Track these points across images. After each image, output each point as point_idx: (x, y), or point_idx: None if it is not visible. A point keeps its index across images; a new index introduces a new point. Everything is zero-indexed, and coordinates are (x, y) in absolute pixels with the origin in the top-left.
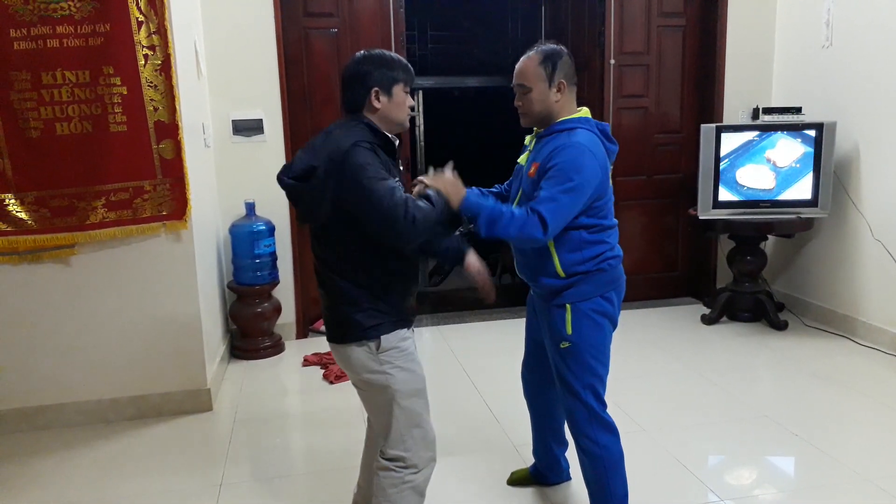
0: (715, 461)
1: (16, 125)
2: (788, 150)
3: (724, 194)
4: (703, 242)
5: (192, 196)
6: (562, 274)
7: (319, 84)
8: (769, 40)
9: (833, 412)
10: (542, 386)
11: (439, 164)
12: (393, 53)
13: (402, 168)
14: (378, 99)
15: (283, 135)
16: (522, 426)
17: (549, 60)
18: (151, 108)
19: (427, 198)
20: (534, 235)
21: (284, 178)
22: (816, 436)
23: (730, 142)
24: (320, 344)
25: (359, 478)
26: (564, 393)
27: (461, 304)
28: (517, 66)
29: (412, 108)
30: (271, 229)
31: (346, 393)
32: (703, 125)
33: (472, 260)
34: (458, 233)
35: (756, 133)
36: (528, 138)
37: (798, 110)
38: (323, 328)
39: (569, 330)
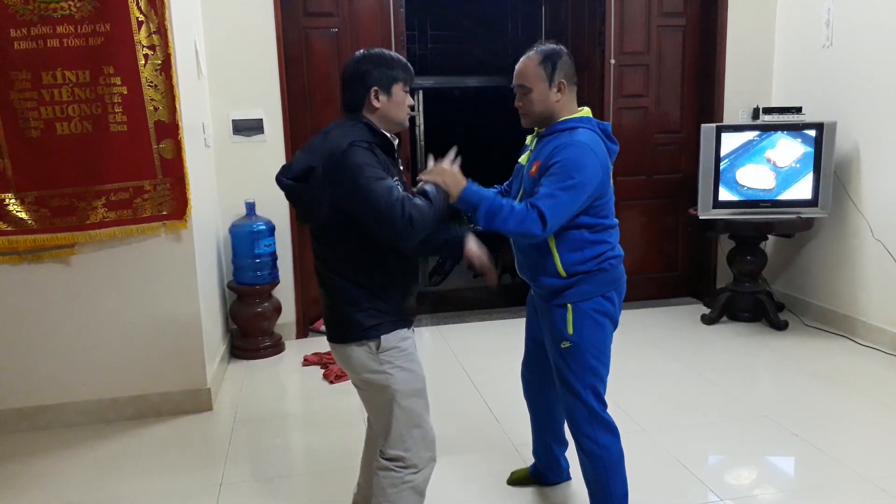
0: (715, 461)
1: (16, 125)
2: (788, 149)
3: (725, 194)
4: (703, 242)
5: (193, 196)
6: (563, 274)
7: (319, 84)
8: (769, 40)
9: (833, 412)
10: (541, 386)
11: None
12: (392, 53)
13: (402, 168)
14: (377, 98)
15: (283, 135)
16: (522, 426)
17: (549, 60)
18: (151, 108)
19: (424, 194)
20: (532, 231)
21: (283, 179)
22: (816, 436)
23: (730, 142)
24: (320, 344)
25: (359, 477)
26: (565, 393)
27: (461, 304)
28: (517, 67)
29: (412, 108)
30: (271, 229)
31: (346, 393)
32: (703, 125)
33: (472, 245)
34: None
35: (756, 133)
36: (529, 138)
37: (798, 110)
38: (323, 328)
39: (570, 330)
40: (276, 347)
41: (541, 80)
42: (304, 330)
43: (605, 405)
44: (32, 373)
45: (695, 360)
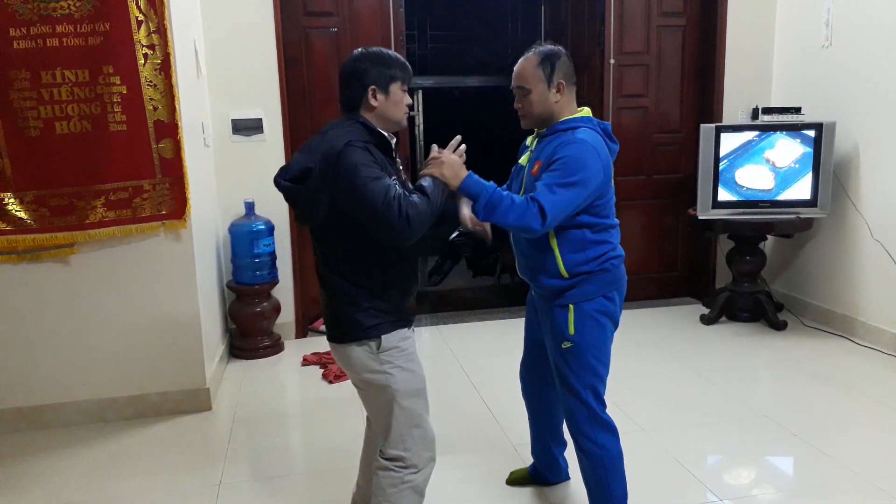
0: (714, 461)
1: (15, 124)
2: (788, 150)
3: (724, 194)
4: (703, 242)
5: (192, 195)
6: (565, 274)
7: (319, 83)
8: (769, 40)
9: (832, 412)
10: (540, 386)
11: None
12: (391, 52)
13: (401, 168)
14: (375, 97)
15: (283, 134)
16: (521, 426)
17: (548, 61)
18: (151, 108)
19: (421, 190)
20: (531, 225)
21: (281, 181)
22: (815, 436)
23: (729, 142)
24: (319, 343)
25: (358, 477)
26: (565, 393)
27: (461, 304)
28: (515, 69)
29: (410, 107)
30: (271, 229)
31: (346, 393)
32: (702, 125)
33: (465, 210)
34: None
35: (755, 133)
36: (529, 139)
37: (797, 110)
38: (322, 328)
39: (571, 330)
40: (276, 347)
41: (540, 82)
42: (303, 330)
43: (604, 405)
44: (32, 373)
45: (694, 360)
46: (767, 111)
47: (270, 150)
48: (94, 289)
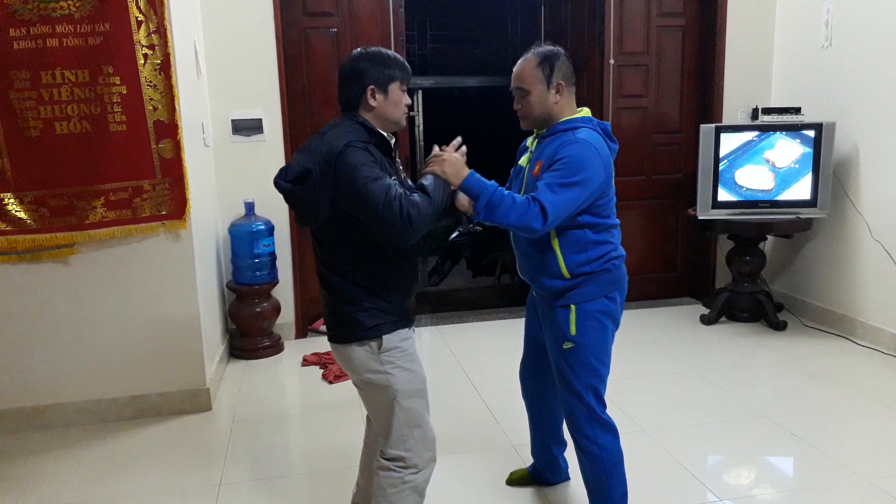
0: (714, 461)
1: (15, 124)
2: (787, 150)
3: (724, 195)
4: (703, 243)
5: (192, 196)
6: (567, 275)
7: (319, 84)
8: (769, 40)
9: (832, 412)
10: (540, 386)
11: None
12: (390, 51)
13: (401, 168)
14: (374, 97)
15: (283, 134)
16: (521, 426)
17: (547, 62)
18: (151, 108)
19: (422, 189)
20: (532, 225)
21: (281, 182)
22: (815, 436)
23: (729, 142)
24: (319, 344)
25: (358, 477)
26: (565, 393)
27: (461, 305)
28: (515, 70)
29: (409, 107)
30: (270, 229)
31: (346, 393)
32: (702, 125)
33: (460, 198)
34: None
35: (755, 133)
36: (529, 140)
37: (797, 111)
38: (322, 328)
39: (573, 331)
40: (276, 347)
41: (539, 83)
42: (303, 330)
43: (604, 405)
44: (32, 373)
45: (694, 360)
46: (767, 111)
47: (270, 150)
48: (93, 289)
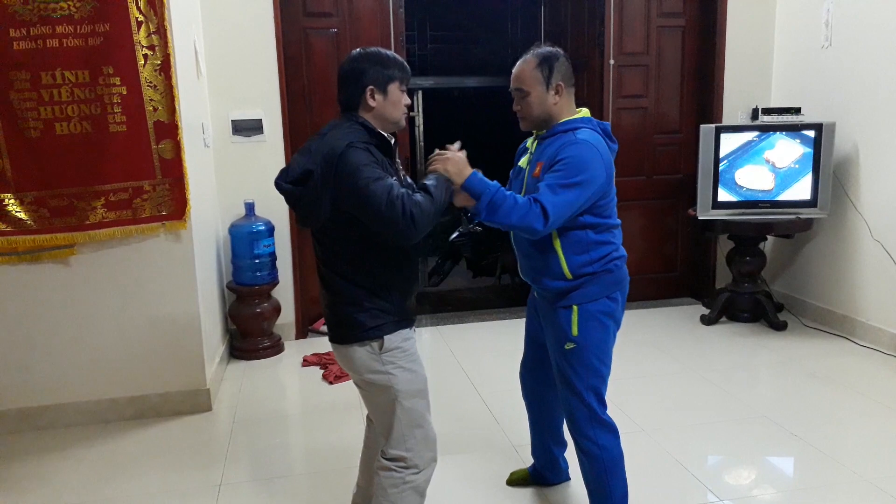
0: (714, 461)
1: (15, 125)
2: (787, 150)
3: (724, 195)
4: (703, 243)
5: (192, 196)
6: (569, 276)
7: (319, 84)
8: (769, 40)
9: (832, 412)
10: (540, 386)
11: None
12: (389, 52)
13: (401, 168)
14: (373, 97)
15: (283, 135)
16: (522, 426)
17: (546, 63)
18: (151, 108)
19: (425, 188)
20: (533, 226)
21: (282, 184)
22: (815, 436)
23: (729, 142)
24: (320, 344)
25: (358, 477)
26: (567, 393)
27: (461, 305)
28: (514, 71)
29: (408, 107)
30: (271, 229)
31: (346, 393)
32: (702, 125)
33: (459, 195)
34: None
35: (755, 133)
36: (528, 141)
37: (797, 111)
38: (322, 328)
39: (575, 331)
40: (276, 348)
41: (538, 84)
42: (303, 330)
43: (605, 406)
44: (32, 374)
45: (694, 360)
46: (767, 111)
47: (270, 151)
48: (94, 289)
